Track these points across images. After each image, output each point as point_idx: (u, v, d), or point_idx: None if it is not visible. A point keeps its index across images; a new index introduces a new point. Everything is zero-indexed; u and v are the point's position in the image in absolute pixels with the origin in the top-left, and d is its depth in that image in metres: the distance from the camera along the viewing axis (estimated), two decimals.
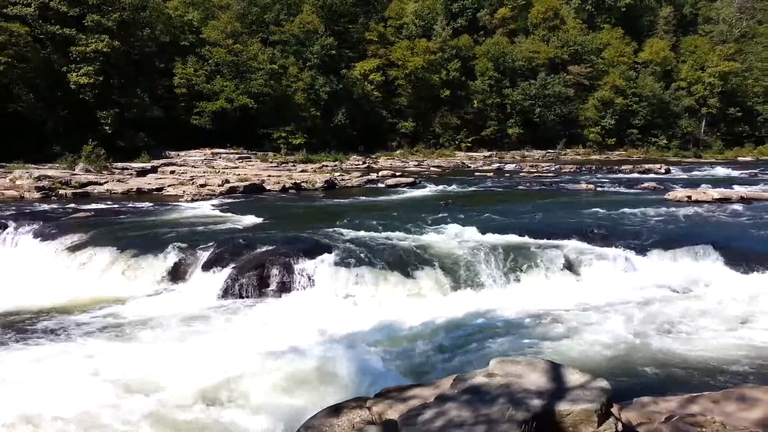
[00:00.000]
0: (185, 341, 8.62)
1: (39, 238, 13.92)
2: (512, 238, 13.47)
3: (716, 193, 21.35)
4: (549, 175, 36.48)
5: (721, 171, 39.72)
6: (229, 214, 17.40)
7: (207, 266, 11.58)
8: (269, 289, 11.01)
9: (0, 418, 6.12)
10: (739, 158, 60.60)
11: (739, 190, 22.92)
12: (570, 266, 11.80)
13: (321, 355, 7.83)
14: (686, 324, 9.29)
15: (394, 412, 4.34)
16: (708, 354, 8.03)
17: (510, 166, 43.48)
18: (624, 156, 59.90)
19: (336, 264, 11.27)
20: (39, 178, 22.53)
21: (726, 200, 20.36)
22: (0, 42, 30.98)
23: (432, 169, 41.53)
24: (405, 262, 11.47)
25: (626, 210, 18.24)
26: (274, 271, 11.20)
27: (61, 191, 21.74)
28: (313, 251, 11.77)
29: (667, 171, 38.46)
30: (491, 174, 37.10)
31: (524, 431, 3.58)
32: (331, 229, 14.20)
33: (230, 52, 44.23)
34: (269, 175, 28.18)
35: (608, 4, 74.03)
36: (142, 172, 28.97)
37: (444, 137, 57.10)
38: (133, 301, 10.69)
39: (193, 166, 33.20)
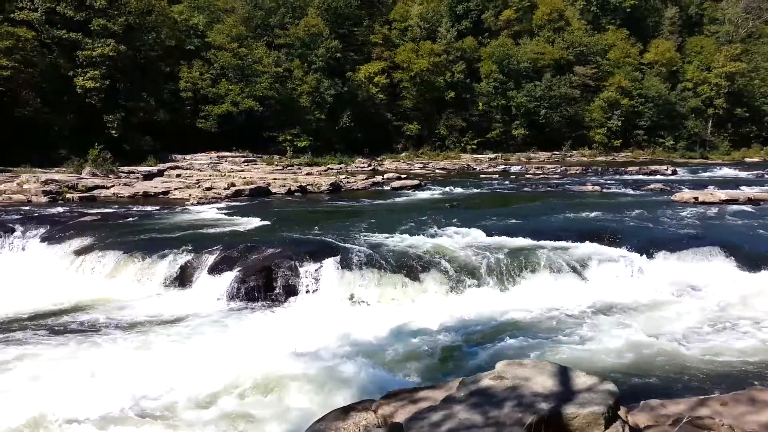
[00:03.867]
0: (191, 343, 8.64)
1: (46, 242, 13.99)
2: (518, 241, 13.44)
3: (723, 194, 21.23)
4: (555, 176, 36.42)
5: (728, 172, 39.55)
6: (235, 218, 17.44)
7: (213, 269, 11.61)
8: (275, 292, 11.02)
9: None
10: (746, 159, 60.26)
11: (746, 191, 22.81)
12: (576, 268, 11.75)
13: (327, 357, 7.84)
14: (694, 326, 9.24)
15: (400, 414, 4.33)
16: (716, 356, 7.98)
17: (515, 168, 43.39)
18: (630, 157, 59.65)
19: (342, 266, 11.28)
20: (46, 182, 22.65)
21: (733, 201, 20.25)
22: (7, 47, 31.18)
23: (437, 171, 41.51)
24: (411, 265, 11.47)
25: (633, 211, 18.17)
26: (280, 274, 11.22)
27: (68, 195, 21.84)
28: (318, 254, 11.78)
29: (674, 172, 38.34)
30: (497, 176, 37.05)
31: None
32: (336, 232, 14.21)
33: (235, 56, 44.40)
34: (275, 178, 28.23)
35: (613, 5, 73.78)
36: (148, 176, 29.07)
37: (449, 139, 57.10)
38: (139, 304, 10.73)
39: (199, 170, 33.31)
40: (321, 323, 9.47)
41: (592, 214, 17.87)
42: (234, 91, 42.56)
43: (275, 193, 24.55)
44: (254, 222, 16.49)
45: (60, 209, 18.67)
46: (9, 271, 13.03)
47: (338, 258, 11.58)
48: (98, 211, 18.23)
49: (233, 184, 24.70)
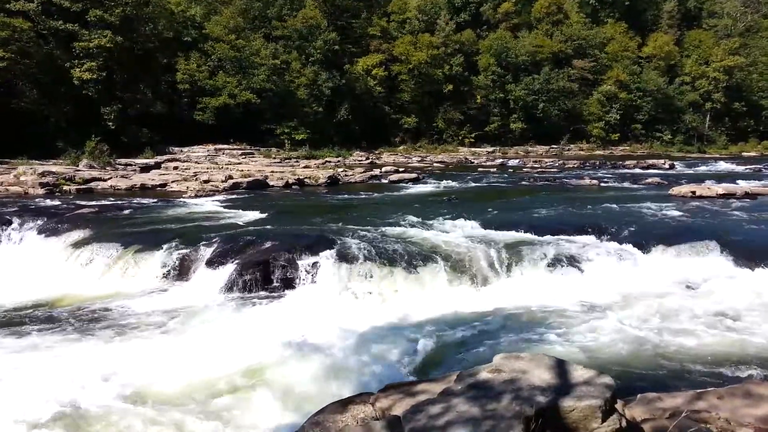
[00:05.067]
0: (188, 335, 8.64)
1: (43, 234, 13.96)
2: (515, 234, 13.47)
3: (720, 188, 21.27)
4: (552, 170, 36.42)
5: (725, 166, 39.64)
6: (232, 210, 17.41)
7: (211, 262, 11.60)
8: (273, 284, 11.03)
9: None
10: (744, 153, 60.40)
11: (743, 186, 22.84)
12: (573, 262, 11.77)
13: (325, 350, 7.85)
14: (690, 320, 9.27)
15: (398, 407, 4.34)
16: (713, 350, 8.02)
17: (513, 162, 43.41)
18: (628, 151, 59.70)
19: (339, 259, 11.28)
20: (43, 174, 22.58)
21: (730, 196, 20.29)
22: (3, 38, 31.01)
23: (435, 164, 41.49)
24: (408, 258, 11.47)
25: (630, 205, 18.21)
26: (278, 267, 11.22)
27: (65, 187, 21.78)
28: (316, 247, 11.78)
29: (671, 166, 38.39)
30: (494, 169, 37.05)
31: (529, 427, 3.58)
32: (334, 225, 14.22)
33: (233, 48, 44.24)
34: (272, 171, 28.18)
35: None
36: (145, 168, 29.00)
37: (447, 133, 57.03)
38: (136, 296, 10.72)
39: (196, 162, 33.24)
40: (319, 316, 9.47)
41: (590, 208, 17.90)
42: (231, 83, 42.42)
43: (273, 186, 24.51)
44: (252, 215, 16.47)
45: (57, 201, 18.62)
46: (6, 263, 13.00)
47: (336, 251, 11.57)
48: (95, 203, 18.17)
49: (231, 177, 24.65)
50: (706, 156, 55.60)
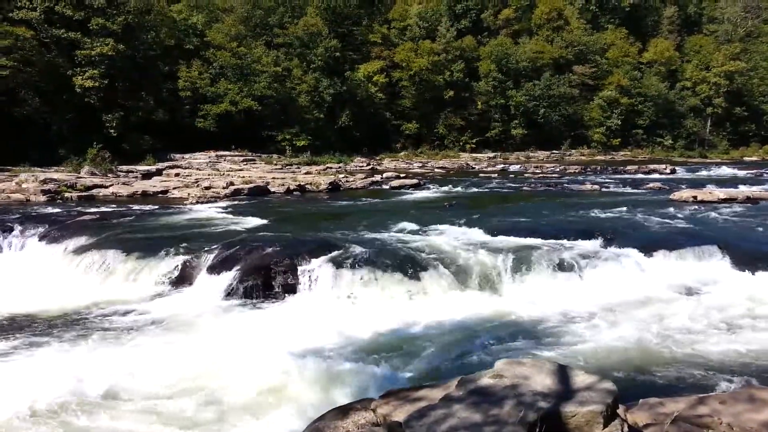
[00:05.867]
0: (189, 342, 8.62)
1: (45, 241, 13.98)
2: (517, 239, 13.45)
3: (722, 193, 21.26)
4: (554, 175, 36.42)
5: (726, 171, 39.58)
6: (233, 217, 17.43)
7: (212, 268, 11.59)
8: (274, 290, 11.01)
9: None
10: (745, 158, 60.37)
11: (744, 190, 22.83)
12: (575, 267, 11.74)
13: (326, 355, 7.84)
14: (692, 325, 9.24)
15: (399, 413, 4.32)
16: (715, 355, 7.99)
17: (514, 167, 43.42)
18: (629, 156, 59.71)
19: (340, 265, 11.26)
20: (45, 182, 22.62)
21: (732, 200, 20.27)
22: (6, 46, 31.17)
23: (436, 170, 41.51)
24: (410, 264, 11.46)
25: (631, 210, 18.20)
26: (279, 273, 11.21)
27: (67, 194, 21.82)
28: (317, 253, 11.78)
29: (673, 171, 38.36)
30: (496, 175, 37.05)
31: None
32: (335, 231, 14.22)
33: (234, 55, 44.42)
34: (274, 177, 28.22)
35: (612, 4, 73.88)
36: (147, 175, 29.05)
37: (448, 138, 57.12)
38: (138, 303, 10.70)
39: (197, 169, 33.27)
40: (320, 322, 9.45)
41: (591, 213, 17.89)
42: (233, 90, 42.55)
43: (274, 192, 24.53)
44: (253, 221, 16.47)
45: (58, 208, 18.65)
46: (7, 270, 13.01)
47: (337, 257, 11.57)
48: (97, 210, 18.22)
49: (232, 183, 24.69)
50: (708, 161, 55.57)
